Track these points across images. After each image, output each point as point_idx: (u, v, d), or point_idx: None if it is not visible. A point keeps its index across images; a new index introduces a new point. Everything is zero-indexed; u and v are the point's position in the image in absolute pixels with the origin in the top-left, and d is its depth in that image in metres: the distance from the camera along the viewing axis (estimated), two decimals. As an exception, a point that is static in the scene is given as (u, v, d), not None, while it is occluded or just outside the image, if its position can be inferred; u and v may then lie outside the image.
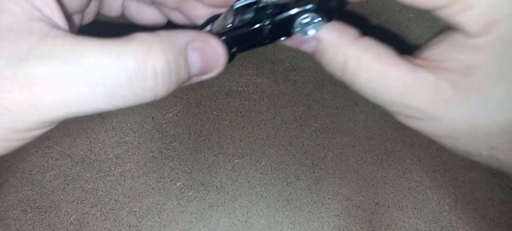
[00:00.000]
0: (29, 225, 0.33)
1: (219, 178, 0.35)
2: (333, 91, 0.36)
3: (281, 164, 0.35)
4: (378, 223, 0.33)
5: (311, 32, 0.26)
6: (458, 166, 0.35)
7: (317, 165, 0.35)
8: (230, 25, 0.26)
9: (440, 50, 0.25)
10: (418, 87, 0.25)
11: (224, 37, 0.26)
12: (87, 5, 0.27)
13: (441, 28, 0.27)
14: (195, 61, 0.24)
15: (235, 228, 0.34)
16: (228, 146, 0.36)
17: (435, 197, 0.34)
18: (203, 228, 0.33)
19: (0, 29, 0.21)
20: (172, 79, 0.22)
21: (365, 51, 0.25)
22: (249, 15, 0.26)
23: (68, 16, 0.26)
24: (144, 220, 0.34)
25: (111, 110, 0.22)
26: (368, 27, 0.38)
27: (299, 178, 0.35)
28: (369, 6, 0.39)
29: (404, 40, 0.38)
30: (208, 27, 0.29)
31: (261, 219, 0.34)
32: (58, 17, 0.23)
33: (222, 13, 0.28)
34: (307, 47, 0.27)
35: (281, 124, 0.36)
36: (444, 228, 0.34)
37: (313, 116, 0.36)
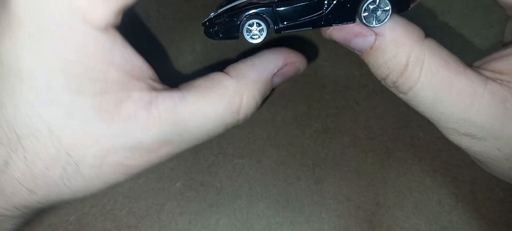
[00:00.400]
0: (29, 225, 0.33)
1: (219, 178, 0.35)
2: (334, 91, 0.36)
3: (282, 164, 0.35)
4: (379, 223, 0.33)
5: (376, 22, 0.23)
6: (459, 166, 0.35)
7: (317, 165, 0.35)
8: None
9: None
10: (486, 101, 0.22)
11: (270, 9, 0.23)
12: None
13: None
14: (277, 81, 0.27)
15: (235, 228, 0.33)
16: (228, 146, 0.36)
17: (435, 197, 0.34)
18: (203, 228, 0.33)
19: (119, 116, 0.22)
20: (257, 105, 0.26)
21: (431, 55, 0.23)
22: None
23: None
24: (143, 221, 0.33)
25: None
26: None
27: (299, 179, 0.35)
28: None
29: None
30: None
31: (261, 219, 0.34)
32: (147, 71, 0.24)
33: None
34: (360, 43, 0.24)
35: (281, 124, 0.36)
36: (444, 228, 0.34)
37: (313, 116, 0.36)
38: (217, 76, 0.25)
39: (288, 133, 0.36)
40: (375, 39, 0.23)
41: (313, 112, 0.36)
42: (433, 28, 0.35)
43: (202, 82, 0.24)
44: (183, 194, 0.34)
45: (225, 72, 0.25)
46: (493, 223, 0.34)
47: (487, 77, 0.23)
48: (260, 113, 0.36)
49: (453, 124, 0.23)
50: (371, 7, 0.22)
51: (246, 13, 0.23)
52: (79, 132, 0.21)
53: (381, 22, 0.23)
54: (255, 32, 0.24)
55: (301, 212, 0.34)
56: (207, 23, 0.25)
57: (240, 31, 0.24)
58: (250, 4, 0.24)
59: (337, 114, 0.36)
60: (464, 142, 0.24)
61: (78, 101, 0.21)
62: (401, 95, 0.24)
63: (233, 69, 0.25)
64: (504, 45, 0.27)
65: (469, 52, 0.35)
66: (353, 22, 0.23)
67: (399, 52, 0.23)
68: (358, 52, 0.25)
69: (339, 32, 0.24)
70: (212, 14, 0.25)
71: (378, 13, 0.23)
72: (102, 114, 0.21)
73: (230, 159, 0.35)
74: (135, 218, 0.33)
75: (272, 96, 0.36)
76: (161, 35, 0.35)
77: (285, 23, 0.23)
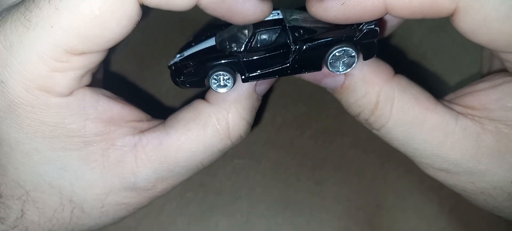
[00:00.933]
0: None
1: (218, 179, 0.35)
2: (334, 92, 0.35)
3: (281, 165, 0.35)
4: (379, 224, 0.33)
5: (343, 68, 0.23)
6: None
7: (317, 166, 0.35)
8: (246, 45, 0.23)
9: (491, 98, 0.23)
10: (458, 137, 0.22)
11: (236, 60, 0.23)
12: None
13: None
14: (263, 89, 0.26)
15: (234, 230, 0.33)
16: (227, 146, 0.35)
17: (436, 198, 0.34)
18: (202, 230, 0.33)
19: (108, 163, 0.24)
20: (247, 122, 0.25)
21: (401, 92, 0.23)
22: (271, 36, 0.23)
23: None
24: (143, 222, 0.33)
25: None
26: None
27: (299, 180, 0.35)
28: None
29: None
30: (210, 41, 0.25)
31: (261, 220, 0.33)
32: (129, 114, 0.25)
33: (229, 28, 0.24)
34: (329, 83, 0.24)
35: (281, 124, 0.35)
36: (444, 229, 0.33)
37: (313, 117, 0.36)
38: (198, 106, 0.25)
39: (288, 134, 0.35)
40: (344, 79, 0.24)
41: (313, 113, 0.36)
42: (408, 60, 0.35)
43: (185, 114, 0.25)
44: (183, 195, 0.34)
45: (206, 100, 0.25)
46: (493, 224, 0.34)
47: (459, 113, 0.23)
48: (260, 114, 0.36)
49: (426, 159, 0.24)
50: (338, 54, 0.22)
51: (213, 65, 0.23)
52: (75, 181, 0.23)
53: (349, 68, 0.23)
54: (222, 83, 0.23)
55: (301, 213, 0.34)
56: (173, 68, 0.24)
57: (206, 81, 0.24)
58: (216, 51, 0.24)
59: (337, 115, 0.36)
60: (439, 176, 0.24)
61: (66, 156, 0.23)
62: (374, 131, 0.24)
63: (213, 94, 0.25)
64: (482, 76, 0.27)
65: (445, 83, 0.35)
66: (320, 70, 0.23)
67: (368, 92, 0.23)
68: (330, 91, 0.25)
69: (311, 74, 0.24)
70: (177, 56, 0.25)
71: (345, 60, 0.23)
72: (91, 164, 0.23)
73: (230, 160, 0.35)
74: (134, 219, 0.33)
75: (272, 97, 0.36)
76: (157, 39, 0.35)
77: (252, 73, 0.23)
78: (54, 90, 0.21)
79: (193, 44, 0.26)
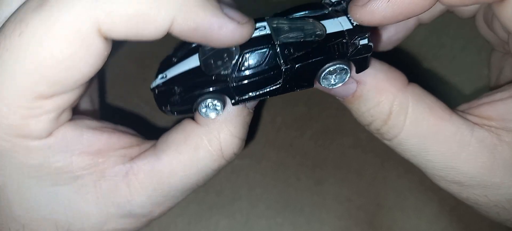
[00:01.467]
0: None
1: (218, 179, 0.34)
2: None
3: (282, 165, 0.35)
4: (379, 224, 0.33)
5: (335, 81, 0.22)
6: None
7: (317, 166, 0.35)
8: (233, 68, 0.21)
9: (510, 108, 0.22)
10: (474, 150, 0.21)
11: (224, 86, 0.21)
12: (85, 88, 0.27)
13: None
14: (253, 103, 0.24)
15: (234, 230, 0.33)
16: (227, 147, 0.35)
17: (436, 198, 0.34)
18: (202, 230, 0.33)
19: (101, 193, 0.23)
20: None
21: (415, 102, 0.22)
22: (259, 56, 0.21)
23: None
24: (142, 222, 0.33)
25: None
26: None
27: (299, 179, 0.34)
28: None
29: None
30: (194, 59, 0.23)
31: (261, 220, 0.33)
32: (117, 142, 0.24)
33: (215, 49, 0.22)
34: (340, 91, 0.23)
35: (281, 125, 0.35)
36: (445, 228, 0.33)
37: (313, 117, 0.36)
38: (188, 128, 0.24)
39: (288, 134, 0.35)
40: (357, 87, 0.22)
41: (313, 114, 0.36)
42: (421, 71, 0.35)
43: (175, 137, 0.24)
44: (183, 195, 0.34)
45: (195, 121, 0.24)
46: (493, 224, 0.33)
47: (474, 123, 0.22)
48: (260, 114, 0.36)
49: (439, 172, 0.23)
50: (331, 70, 0.22)
51: (201, 94, 0.22)
52: (70, 213, 0.23)
53: (341, 82, 0.22)
54: (211, 108, 0.22)
55: (301, 213, 0.34)
56: (157, 92, 0.23)
57: (195, 108, 0.23)
58: (201, 74, 0.22)
59: (337, 115, 0.36)
60: (452, 189, 0.23)
61: (57, 192, 0.22)
62: (385, 142, 0.24)
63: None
64: (491, 89, 0.27)
65: (457, 94, 0.35)
66: (312, 87, 0.23)
67: (381, 101, 0.22)
68: (340, 99, 0.24)
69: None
70: (159, 77, 0.24)
71: (337, 75, 0.22)
72: (84, 196, 0.23)
73: (230, 160, 0.35)
74: (134, 219, 0.33)
75: (272, 98, 0.36)
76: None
77: (242, 96, 0.22)
78: (32, 135, 0.21)
79: (175, 60, 0.24)
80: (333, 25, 0.22)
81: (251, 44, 0.21)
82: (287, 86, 0.22)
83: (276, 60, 0.21)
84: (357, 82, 0.22)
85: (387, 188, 0.34)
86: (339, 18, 0.22)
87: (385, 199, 0.34)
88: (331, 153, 0.35)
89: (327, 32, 0.22)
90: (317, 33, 0.22)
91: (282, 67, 0.21)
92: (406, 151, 0.23)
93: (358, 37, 0.21)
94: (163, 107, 0.23)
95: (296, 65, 0.21)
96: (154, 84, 0.24)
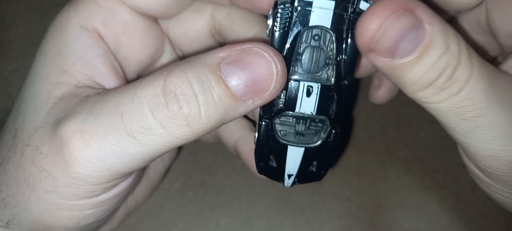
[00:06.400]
0: None
1: (218, 178, 0.34)
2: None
3: (282, 164, 0.35)
4: (380, 223, 0.33)
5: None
6: (459, 166, 0.35)
7: (318, 165, 0.35)
8: None
9: None
10: None
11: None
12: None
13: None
14: (235, 77, 0.19)
15: (234, 229, 0.33)
16: (227, 146, 0.35)
17: (436, 197, 0.34)
18: (202, 229, 0.33)
19: (54, 100, 0.21)
20: (202, 103, 0.18)
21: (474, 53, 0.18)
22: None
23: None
24: (143, 221, 0.33)
25: (157, 155, 0.20)
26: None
27: (299, 179, 0.34)
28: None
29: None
30: None
31: (261, 220, 0.33)
32: (112, 81, 0.23)
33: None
34: (405, 48, 0.17)
35: (281, 123, 0.35)
36: (445, 228, 0.33)
37: (313, 116, 0.36)
38: None
39: (288, 133, 0.35)
40: (425, 33, 0.17)
41: (313, 112, 0.36)
42: None
43: None
44: (183, 194, 0.34)
45: None
46: (493, 223, 0.34)
47: None
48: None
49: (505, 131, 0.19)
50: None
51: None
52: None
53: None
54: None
55: (301, 212, 0.34)
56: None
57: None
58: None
59: (338, 114, 0.36)
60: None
61: None
62: (441, 106, 0.19)
63: None
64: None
65: None
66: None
67: (451, 39, 0.18)
68: (398, 62, 0.18)
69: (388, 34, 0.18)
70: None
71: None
72: None
73: (230, 159, 0.35)
74: (135, 217, 0.33)
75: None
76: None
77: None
78: None
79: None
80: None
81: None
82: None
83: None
84: (425, 26, 0.17)
85: (387, 188, 0.34)
86: None
87: (385, 198, 0.34)
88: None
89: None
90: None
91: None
92: (475, 104, 0.18)
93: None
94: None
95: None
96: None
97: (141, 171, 0.28)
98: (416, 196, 0.34)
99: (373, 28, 0.18)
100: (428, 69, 0.18)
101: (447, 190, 0.34)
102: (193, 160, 0.35)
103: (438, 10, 0.22)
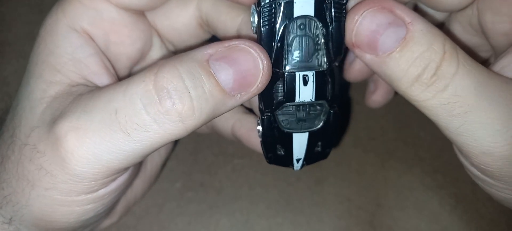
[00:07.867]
0: None
1: (218, 178, 0.34)
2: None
3: (282, 165, 0.35)
4: (379, 224, 0.33)
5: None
6: (459, 166, 0.35)
7: (317, 165, 0.34)
8: None
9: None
10: None
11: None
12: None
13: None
14: (224, 73, 0.20)
15: (235, 229, 0.33)
16: (227, 146, 0.35)
17: (436, 197, 0.34)
18: (203, 229, 0.33)
19: (48, 99, 0.22)
20: (194, 98, 0.19)
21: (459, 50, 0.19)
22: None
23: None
24: (142, 221, 0.33)
25: (151, 151, 0.20)
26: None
27: (299, 179, 0.34)
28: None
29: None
30: None
31: (261, 220, 0.33)
32: (105, 79, 0.24)
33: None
34: (386, 43, 0.19)
35: (281, 124, 0.35)
36: (445, 228, 0.33)
37: (314, 116, 0.36)
38: None
39: (288, 133, 0.35)
40: (407, 29, 0.19)
41: (313, 112, 0.36)
42: None
43: None
44: (183, 194, 0.34)
45: None
46: (493, 223, 0.34)
47: None
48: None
49: (495, 124, 0.19)
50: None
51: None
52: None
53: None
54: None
55: (301, 213, 0.34)
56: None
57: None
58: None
59: (338, 114, 0.36)
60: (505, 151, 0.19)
61: None
62: (430, 102, 0.19)
63: None
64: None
65: None
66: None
67: (437, 35, 0.19)
68: (382, 55, 0.19)
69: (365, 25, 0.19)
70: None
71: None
72: None
73: (230, 159, 0.35)
74: (135, 218, 0.33)
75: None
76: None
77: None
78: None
79: None
80: None
81: None
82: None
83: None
84: (407, 24, 0.19)
85: (387, 188, 0.34)
86: None
87: (385, 198, 0.34)
88: (331, 152, 0.35)
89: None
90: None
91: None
92: (463, 99, 0.19)
93: None
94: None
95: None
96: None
97: (138, 165, 0.28)
98: (416, 196, 0.34)
99: (351, 23, 0.20)
100: (410, 64, 0.19)
101: (447, 190, 0.34)
102: (193, 160, 0.35)
103: (429, 12, 0.22)
